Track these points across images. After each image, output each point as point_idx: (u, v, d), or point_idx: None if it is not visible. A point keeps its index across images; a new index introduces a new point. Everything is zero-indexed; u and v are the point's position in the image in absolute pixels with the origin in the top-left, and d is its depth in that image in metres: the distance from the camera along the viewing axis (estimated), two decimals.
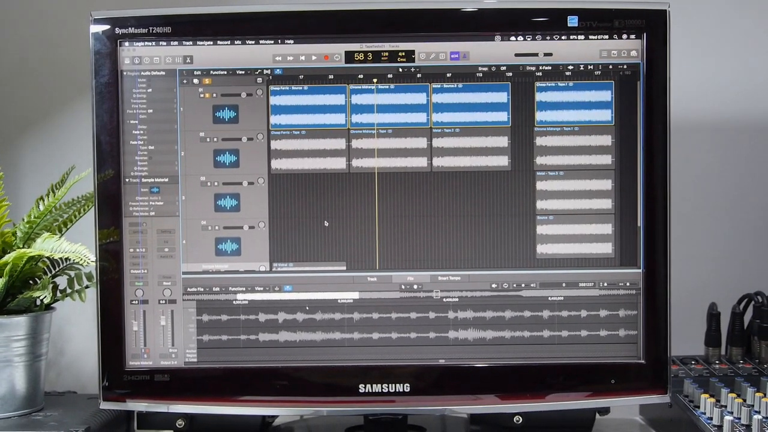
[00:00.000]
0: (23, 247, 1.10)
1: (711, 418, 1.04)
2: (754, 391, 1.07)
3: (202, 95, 1.09)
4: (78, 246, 1.04)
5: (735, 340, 1.20)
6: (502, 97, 1.09)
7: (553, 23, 1.08)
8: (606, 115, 1.09)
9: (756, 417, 1.01)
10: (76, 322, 1.35)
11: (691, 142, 1.35)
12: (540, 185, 1.09)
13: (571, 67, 1.08)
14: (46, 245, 1.06)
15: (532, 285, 1.09)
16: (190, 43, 1.09)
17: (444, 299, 1.09)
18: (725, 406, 1.06)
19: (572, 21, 1.08)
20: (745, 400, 1.07)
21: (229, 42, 1.09)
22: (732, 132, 1.36)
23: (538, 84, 1.08)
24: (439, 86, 1.09)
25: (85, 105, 1.12)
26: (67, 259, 1.18)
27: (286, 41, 1.09)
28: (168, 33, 1.09)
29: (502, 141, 1.09)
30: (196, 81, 1.09)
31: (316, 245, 1.09)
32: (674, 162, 1.08)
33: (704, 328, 1.22)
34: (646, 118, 1.07)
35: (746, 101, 1.36)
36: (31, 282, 1.15)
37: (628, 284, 1.09)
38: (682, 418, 1.07)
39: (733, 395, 1.07)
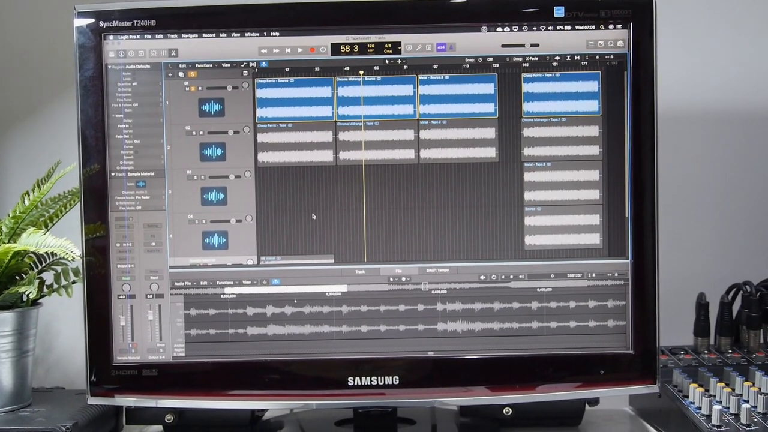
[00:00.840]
0: (8, 243, 1.10)
1: (700, 408, 1.04)
2: (743, 381, 1.08)
3: (187, 88, 1.09)
4: (63, 240, 1.03)
5: (724, 329, 1.20)
6: (489, 88, 1.08)
7: (539, 14, 1.07)
8: (593, 106, 1.08)
9: (745, 406, 1.01)
10: (64, 318, 1.35)
11: (679, 132, 1.35)
12: (528, 176, 1.08)
13: (557, 58, 1.08)
14: (32, 240, 1.05)
15: (520, 276, 1.09)
16: (175, 36, 1.08)
17: (432, 291, 1.09)
18: (714, 396, 1.06)
19: (558, 11, 1.07)
20: (733, 390, 1.07)
21: (214, 35, 1.08)
22: (720, 122, 1.36)
23: (525, 75, 1.08)
24: (426, 78, 1.08)
25: (71, 100, 1.12)
26: (53, 254, 1.17)
27: (271, 34, 1.08)
28: (153, 26, 1.08)
29: (490, 132, 1.09)
30: (181, 74, 1.09)
31: (303, 238, 1.09)
32: (662, 152, 1.08)
33: (693, 319, 1.22)
34: (633, 109, 1.07)
35: (734, 91, 1.36)
36: (17, 278, 1.14)
37: (616, 275, 1.09)
38: (672, 407, 1.08)
39: (722, 385, 1.07)
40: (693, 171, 1.36)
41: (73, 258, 1.03)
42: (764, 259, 1.34)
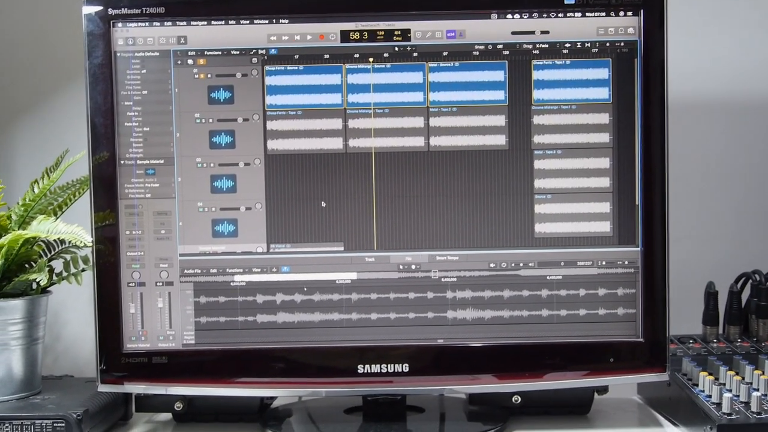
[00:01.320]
0: (18, 230, 1.09)
1: (710, 396, 1.04)
2: (753, 369, 1.07)
3: (196, 76, 1.08)
4: (74, 227, 1.03)
5: (733, 318, 1.20)
6: (498, 75, 1.08)
7: (549, 1, 1.07)
8: (603, 93, 1.08)
9: (755, 394, 1.01)
10: (73, 307, 1.35)
11: (690, 120, 1.34)
12: (538, 164, 1.08)
13: (568, 45, 1.08)
14: (42, 227, 1.05)
15: (530, 264, 1.09)
16: (184, 23, 1.08)
17: (442, 279, 1.09)
18: (724, 384, 1.06)
19: None
20: (743, 378, 1.07)
21: (223, 22, 1.08)
22: (730, 110, 1.35)
23: (535, 62, 1.08)
24: (436, 65, 1.08)
25: (78, 89, 1.12)
26: (62, 242, 1.18)
27: (280, 20, 1.08)
28: (161, 13, 1.08)
29: (500, 120, 1.08)
30: (190, 62, 1.08)
31: (313, 226, 1.09)
32: (672, 140, 1.08)
33: (702, 308, 1.22)
34: (644, 96, 1.07)
35: (745, 79, 1.35)
36: (26, 266, 1.14)
37: (626, 263, 1.08)
38: (681, 396, 1.07)
39: (732, 373, 1.07)
40: (703, 159, 1.36)
41: (85, 244, 1.03)
42: None
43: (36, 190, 1.13)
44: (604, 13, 1.07)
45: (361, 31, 1.08)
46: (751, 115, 1.36)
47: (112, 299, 1.08)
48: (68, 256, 1.18)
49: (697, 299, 1.23)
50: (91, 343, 1.10)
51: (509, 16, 1.07)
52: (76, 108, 1.30)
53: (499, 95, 1.08)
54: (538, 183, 1.08)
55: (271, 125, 1.09)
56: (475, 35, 1.08)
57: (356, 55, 1.08)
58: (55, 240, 1.17)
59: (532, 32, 1.08)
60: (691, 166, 1.35)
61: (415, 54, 1.08)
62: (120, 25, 1.08)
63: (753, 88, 1.35)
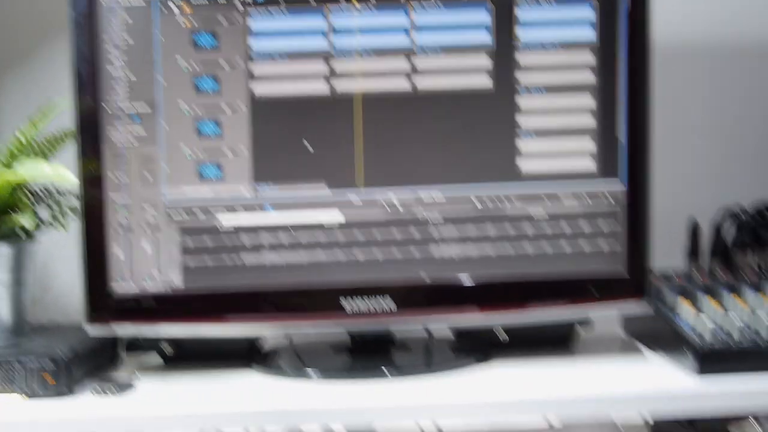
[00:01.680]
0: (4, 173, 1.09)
1: (694, 327, 1.05)
2: (735, 300, 1.09)
3: (182, 24, 1.08)
4: (59, 167, 1.03)
5: (715, 252, 1.21)
6: (483, 16, 1.09)
7: None
8: (588, 33, 1.09)
9: (736, 323, 1.02)
10: (60, 256, 1.34)
11: (673, 61, 1.35)
12: (523, 103, 1.09)
13: None
14: (27, 170, 1.05)
15: (515, 201, 1.10)
16: None
17: (428, 217, 1.10)
18: (707, 314, 1.08)
19: None
20: (725, 309, 1.08)
21: None
22: (714, 52, 1.36)
23: (519, 2, 1.08)
24: (420, 6, 1.08)
25: (62, 41, 1.11)
26: (48, 192, 1.18)
27: None
28: None
29: (485, 60, 1.09)
30: (175, 10, 1.08)
31: (299, 168, 1.09)
32: (656, 81, 1.08)
33: (685, 244, 1.24)
34: (629, 35, 1.08)
35: (729, 23, 1.36)
36: (12, 213, 1.14)
37: (610, 198, 1.10)
38: (664, 327, 1.09)
39: (714, 303, 1.08)
40: (689, 98, 1.35)
41: (71, 185, 1.03)
42: (756, 184, 1.35)
43: (23, 140, 1.13)
44: None
45: None
46: (735, 57, 1.36)
47: (98, 244, 1.08)
48: (54, 205, 1.18)
49: (679, 235, 1.24)
50: (80, 295, 1.10)
51: None
52: (59, 60, 1.29)
53: (484, 36, 1.09)
54: (523, 122, 1.09)
55: (257, 70, 1.09)
56: None
57: None
58: (41, 190, 1.17)
59: None
60: (676, 104, 1.35)
61: None
62: None
63: (738, 30, 1.36)
